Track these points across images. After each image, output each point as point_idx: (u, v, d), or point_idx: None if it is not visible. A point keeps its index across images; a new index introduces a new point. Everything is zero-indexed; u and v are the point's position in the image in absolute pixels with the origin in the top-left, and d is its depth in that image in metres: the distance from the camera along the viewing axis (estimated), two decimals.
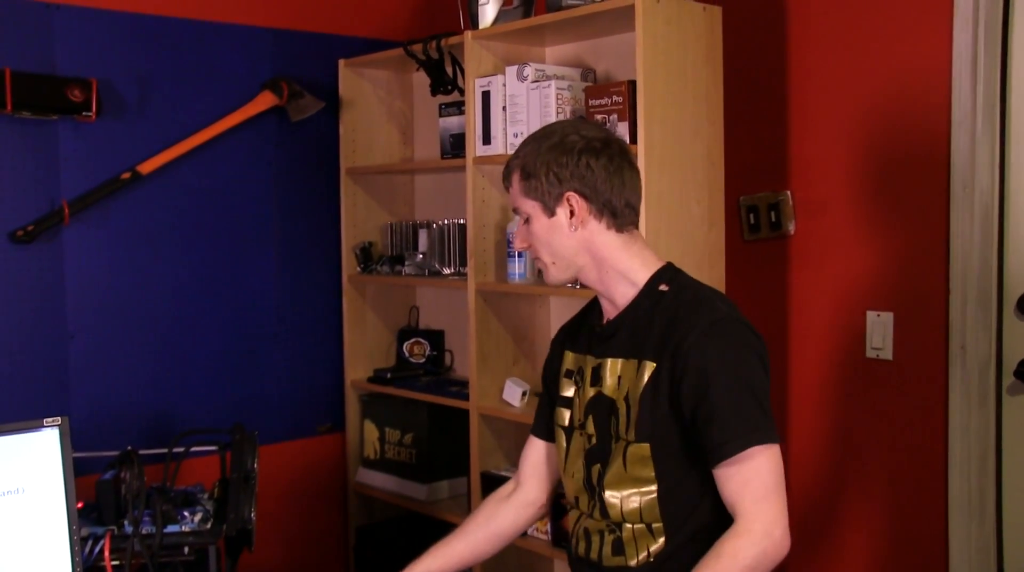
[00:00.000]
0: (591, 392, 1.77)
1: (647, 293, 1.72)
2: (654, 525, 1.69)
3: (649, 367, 1.67)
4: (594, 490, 1.76)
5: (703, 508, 1.67)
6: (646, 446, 1.67)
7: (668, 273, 1.75)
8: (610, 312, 1.79)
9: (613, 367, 1.74)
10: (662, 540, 1.68)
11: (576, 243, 1.73)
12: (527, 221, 1.76)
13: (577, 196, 1.70)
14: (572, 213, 1.71)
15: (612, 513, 1.72)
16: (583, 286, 2.36)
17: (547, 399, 1.95)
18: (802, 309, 2.70)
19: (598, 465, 1.75)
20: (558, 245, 1.74)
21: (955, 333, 2.38)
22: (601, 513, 1.74)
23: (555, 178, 1.70)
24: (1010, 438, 2.40)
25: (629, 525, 1.71)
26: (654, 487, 1.68)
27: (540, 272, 2.80)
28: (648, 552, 1.70)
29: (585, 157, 1.69)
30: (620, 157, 1.72)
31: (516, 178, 1.76)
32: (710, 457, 1.60)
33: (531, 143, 1.75)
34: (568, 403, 1.84)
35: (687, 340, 1.62)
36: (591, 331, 1.84)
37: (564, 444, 1.84)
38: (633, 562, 1.71)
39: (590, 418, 1.77)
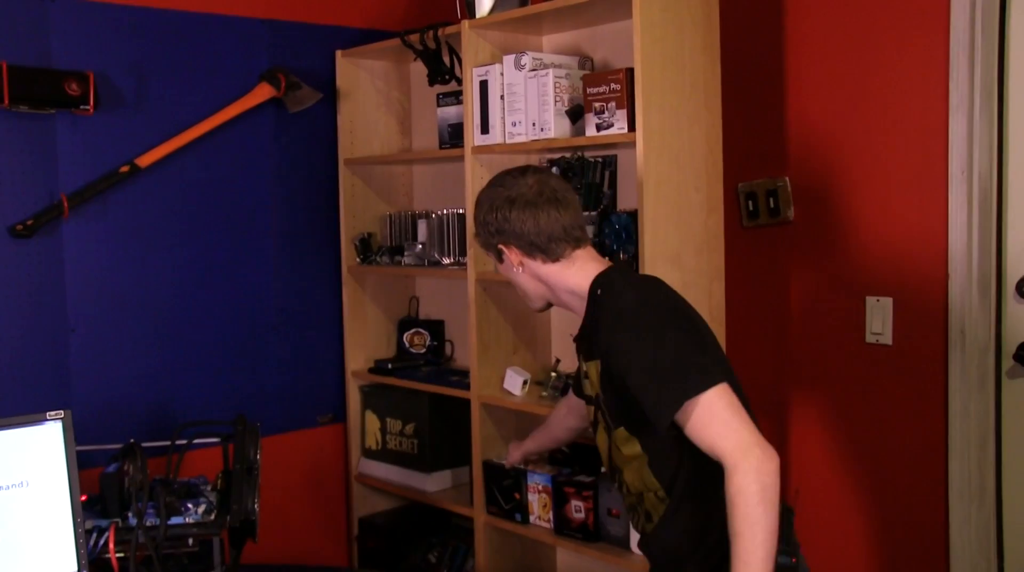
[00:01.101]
0: (590, 390, 2.00)
1: (590, 302, 1.94)
2: (658, 492, 1.87)
3: (598, 366, 1.90)
4: (613, 473, 2.00)
5: (685, 466, 1.83)
6: (623, 429, 1.89)
7: (602, 277, 1.93)
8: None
9: (587, 367, 1.97)
10: (669, 502, 1.87)
11: (527, 278, 2.01)
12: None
13: (505, 246, 1.98)
14: (507, 259, 2.00)
15: (632, 489, 1.93)
16: None
17: None
18: (801, 295, 2.70)
19: (608, 450, 1.98)
20: (517, 282, 2.05)
21: (954, 317, 2.39)
22: (626, 490, 1.96)
23: (487, 234, 2.01)
24: (1010, 422, 2.41)
25: (645, 494, 1.90)
26: (646, 457, 1.87)
27: None
28: (663, 514, 1.88)
29: (501, 212, 1.96)
30: (533, 203, 1.94)
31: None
32: (657, 428, 1.75)
33: (476, 207, 2.04)
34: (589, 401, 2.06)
35: (603, 340, 1.84)
36: None
37: (596, 436, 2.06)
38: (654, 526, 1.91)
39: (596, 413, 1.99)
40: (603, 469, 2.15)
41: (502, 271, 2.07)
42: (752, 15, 2.72)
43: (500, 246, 2.00)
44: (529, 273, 2.00)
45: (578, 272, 1.96)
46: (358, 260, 3.34)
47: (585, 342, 1.97)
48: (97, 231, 2.89)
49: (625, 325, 1.81)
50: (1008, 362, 2.39)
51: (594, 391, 1.95)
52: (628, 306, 1.83)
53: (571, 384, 2.37)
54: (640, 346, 1.77)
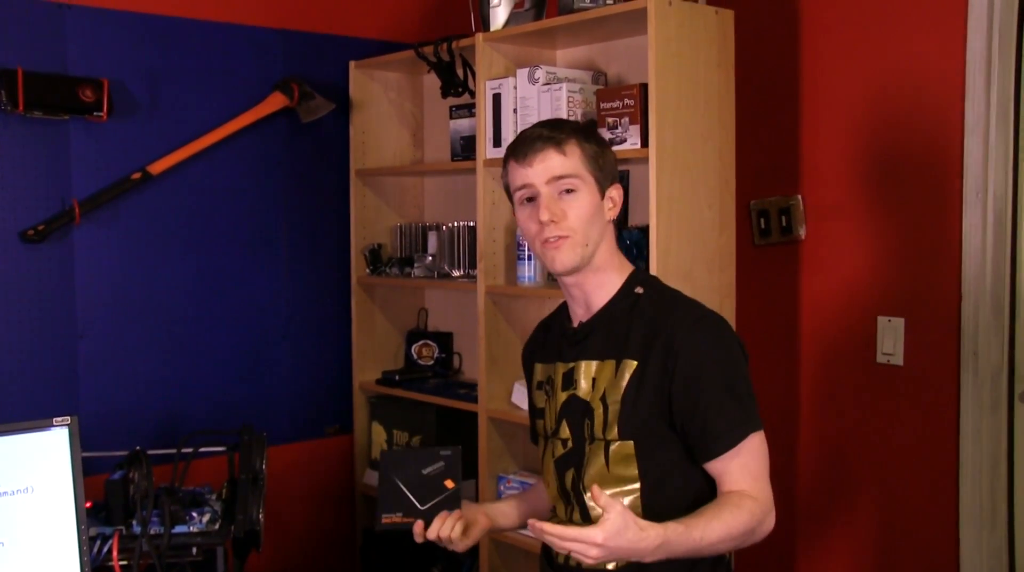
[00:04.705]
0: (563, 396, 1.77)
1: (623, 295, 1.75)
2: None
3: (630, 366, 1.67)
4: (568, 496, 1.76)
5: (682, 507, 1.63)
6: (630, 444, 1.67)
7: (641, 276, 1.79)
8: (581, 316, 1.79)
9: (587, 369, 1.73)
10: None
11: (604, 231, 1.74)
12: (569, 191, 1.69)
13: (619, 188, 1.76)
14: (613, 202, 1.75)
15: (594, 515, 1.68)
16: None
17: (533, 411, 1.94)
18: (813, 314, 2.68)
19: (571, 470, 1.74)
20: (594, 227, 1.71)
21: (967, 339, 2.37)
22: (582, 517, 1.72)
23: (611, 165, 1.75)
24: (1022, 444, 2.39)
25: None
26: (637, 485, 1.67)
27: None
28: (629, 567, 1.65)
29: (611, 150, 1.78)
30: None
31: (580, 144, 1.71)
32: (708, 450, 1.64)
33: (583, 125, 1.79)
34: (541, 414, 1.84)
35: (676, 337, 1.65)
36: (560, 337, 1.83)
37: (541, 454, 1.85)
38: (611, 565, 1.67)
39: (563, 423, 1.76)
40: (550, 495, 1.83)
41: (577, 204, 1.69)
42: (767, 32, 2.71)
43: (615, 185, 1.76)
44: (608, 228, 1.75)
45: (616, 254, 1.78)
46: (367, 271, 3.34)
47: (591, 340, 1.73)
48: (108, 238, 2.90)
49: (709, 332, 1.67)
50: (1021, 385, 2.37)
51: (589, 397, 1.71)
52: (708, 314, 1.70)
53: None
54: (724, 360, 1.66)
